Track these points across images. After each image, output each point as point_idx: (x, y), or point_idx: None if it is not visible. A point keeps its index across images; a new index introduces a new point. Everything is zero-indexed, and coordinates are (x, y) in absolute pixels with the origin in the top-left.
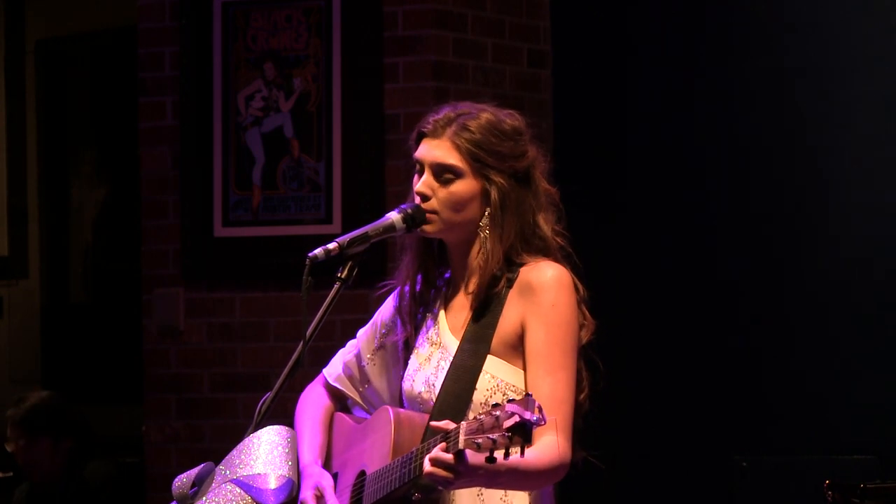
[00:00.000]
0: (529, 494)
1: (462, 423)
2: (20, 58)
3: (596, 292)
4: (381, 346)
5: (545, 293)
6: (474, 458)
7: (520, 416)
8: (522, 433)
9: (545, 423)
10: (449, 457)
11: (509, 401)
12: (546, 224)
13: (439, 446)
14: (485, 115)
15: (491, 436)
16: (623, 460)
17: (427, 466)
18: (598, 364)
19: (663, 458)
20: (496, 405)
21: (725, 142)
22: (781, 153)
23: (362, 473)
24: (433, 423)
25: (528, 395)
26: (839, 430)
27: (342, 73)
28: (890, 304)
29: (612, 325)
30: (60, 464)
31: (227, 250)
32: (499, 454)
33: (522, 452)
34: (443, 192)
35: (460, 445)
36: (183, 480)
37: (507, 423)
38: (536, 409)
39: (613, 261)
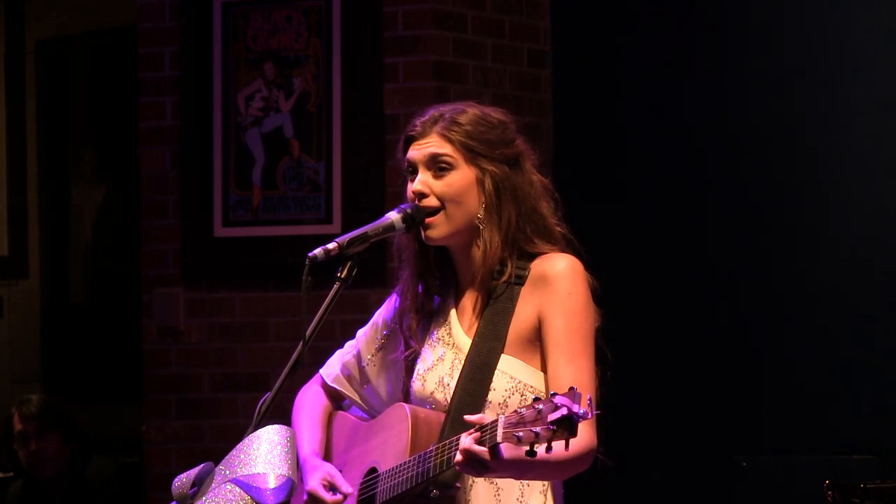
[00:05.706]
0: (544, 495)
1: (500, 416)
2: (20, 58)
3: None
4: (381, 348)
5: (561, 282)
6: (509, 451)
7: (568, 409)
8: (569, 426)
9: (592, 416)
10: (484, 450)
11: (553, 394)
12: (546, 212)
13: (473, 437)
14: (471, 109)
15: (534, 429)
16: (623, 460)
17: (459, 457)
18: (606, 354)
19: (663, 458)
20: (536, 399)
21: (725, 141)
22: (781, 152)
23: (373, 470)
24: (467, 417)
25: (572, 388)
26: (839, 430)
27: (342, 73)
28: (890, 304)
29: (611, 324)
30: (65, 462)
31: (227, 250)
32: (539, 447)
33: (567, 446)
34: (439, 187)
35: (498, 438)
36: (183, 480)
37: (553, 416)
38: (586, 402)
39: (611, 258)
